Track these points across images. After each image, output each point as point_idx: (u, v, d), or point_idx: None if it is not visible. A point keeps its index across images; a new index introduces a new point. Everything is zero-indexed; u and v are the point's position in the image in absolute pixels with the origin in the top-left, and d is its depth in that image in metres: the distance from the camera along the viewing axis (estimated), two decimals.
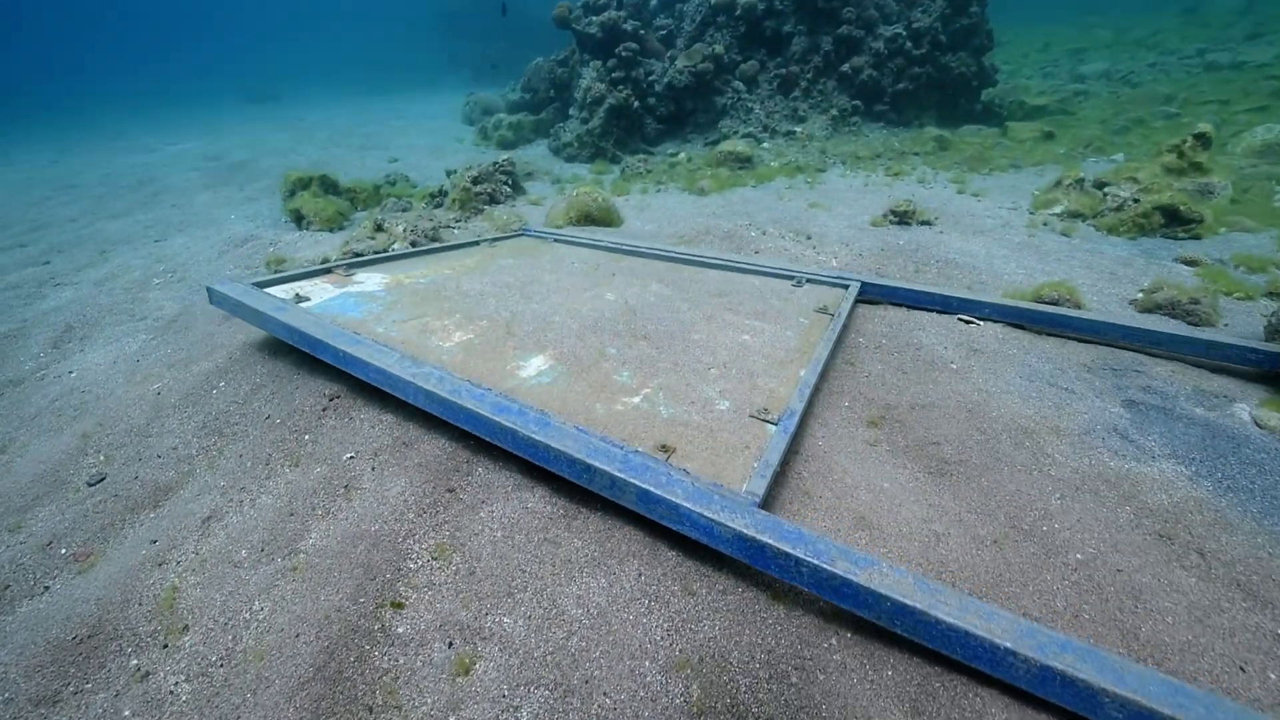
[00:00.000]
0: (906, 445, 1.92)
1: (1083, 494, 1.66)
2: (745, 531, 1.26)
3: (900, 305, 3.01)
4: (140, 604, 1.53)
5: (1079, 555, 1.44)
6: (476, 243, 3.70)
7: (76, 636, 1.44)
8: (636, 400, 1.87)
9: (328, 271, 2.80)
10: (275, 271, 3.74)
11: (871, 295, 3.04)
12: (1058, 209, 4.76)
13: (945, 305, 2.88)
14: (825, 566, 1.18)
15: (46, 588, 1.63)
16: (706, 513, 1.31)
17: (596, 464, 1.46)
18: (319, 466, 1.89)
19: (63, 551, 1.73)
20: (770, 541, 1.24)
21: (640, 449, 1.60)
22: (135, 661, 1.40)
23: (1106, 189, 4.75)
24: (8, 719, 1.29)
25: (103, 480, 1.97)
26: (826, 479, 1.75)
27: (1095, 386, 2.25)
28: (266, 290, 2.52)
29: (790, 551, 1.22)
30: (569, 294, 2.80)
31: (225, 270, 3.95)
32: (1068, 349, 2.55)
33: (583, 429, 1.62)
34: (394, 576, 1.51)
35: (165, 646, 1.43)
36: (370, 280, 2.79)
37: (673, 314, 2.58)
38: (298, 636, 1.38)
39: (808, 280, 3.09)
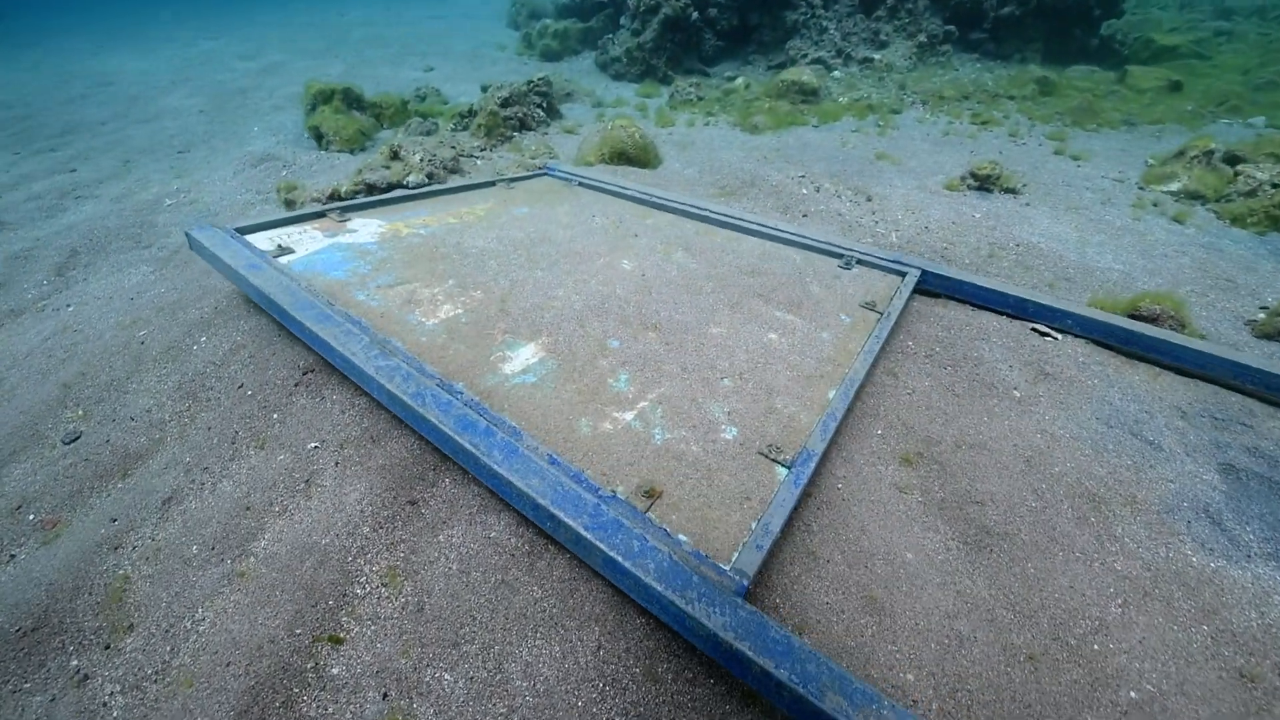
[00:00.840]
0: (943, 498, 1.63)
1: (1151, 602, 1.36)
2: (721, 635, 1.04)
3: (964, 302, 2.58)
4: (90, 593, 1.46)
5: (1133, 694, 1.17)
6: (492, 183, 3.36)
7: (21, 629, 1.38)
8: (629, 417, 1.62)
9: (320, 216, 2.56)
10: (285, 200, 3.53)
11: (932, 287, 2.61)
12: (1174, 185, 4.00)
13: (1019, 309, 2.44)
14: (811, 700, 0.96)
15: (12, 556, 1.59)
16: (679, 601, 1.09)
17: (562, 516, 1.24)
18: (283, 453, 1.75)
19: (30, 518, 1.68)
20: (749, 653, 1.02)
21: (620, 490, 1.37)
22: (76, 662, 1.34)
23: (1239, 167, 3.93)
24: None
25: (78, 439, 1.90)
26: (839, 536, 1.50)
27: (1189, 441, 1.86)
28: (249, 237, 2.31)
29: (772, 671, 1.00)
30: (580, 260, 2.49)
31: (238, 195, 3.76)
32: (1161, 383, 2.12)
33: (556, 459, 1.39)
34: (337, 604, 1.38)
35: (108, 648, 1.36)
36: (365, 228, 2.55)
37: (693, 297, 2.25)
38: (228, 665, 1.28)
39: (858, 261, 2.67)
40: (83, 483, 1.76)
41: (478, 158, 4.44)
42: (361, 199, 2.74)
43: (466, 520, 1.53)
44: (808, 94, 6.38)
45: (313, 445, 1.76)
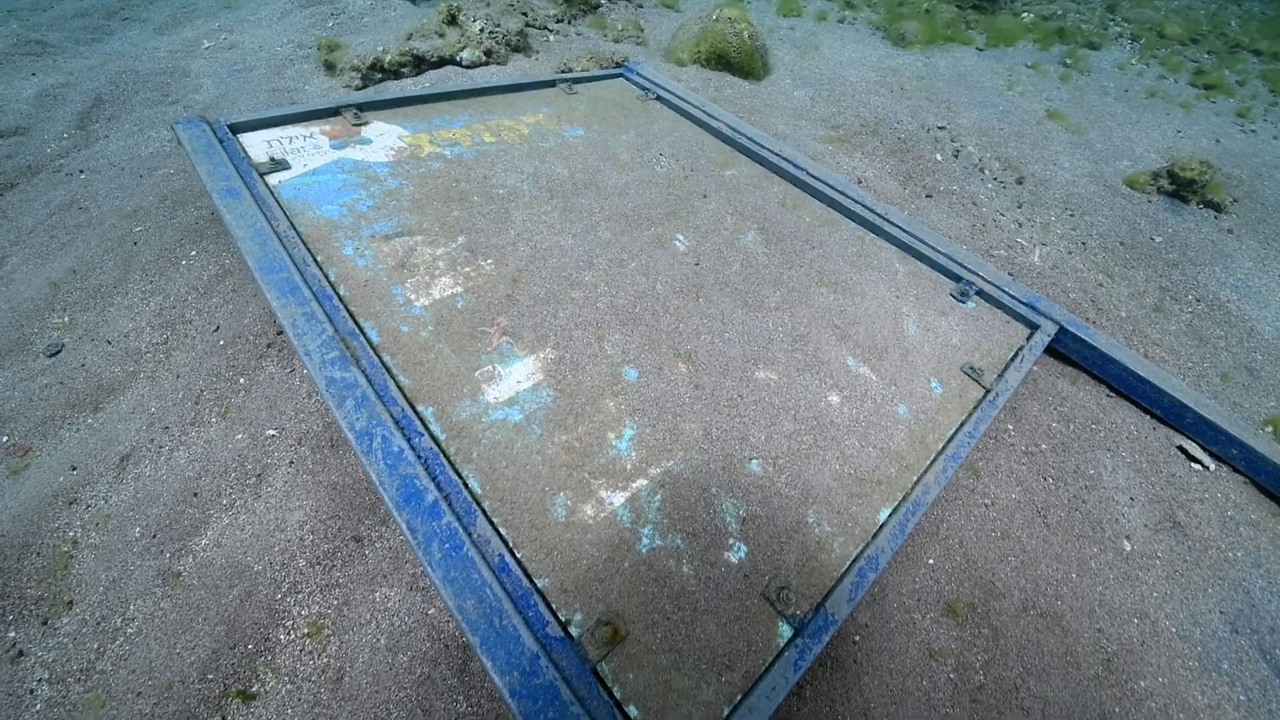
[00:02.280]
0: (982, 684, 1.29)
1: None
2: None
3: (1101, 381, 1.98)
4: (39, 554, 1.40)
5: None
6: (552, 83, 2.75)
7: None
8: (619, 502, 1.30)
9: (334, 114, 2.13)
10: (325, 61, 3.06)
11: (1065, 348, 2.01)
12: None
13: (1172, 415, 1.85)
14: None
15: None
16: None
17: (487, 662, 1.00)
18: (241, 432, 1.56)
19: (4, 439, 1.61)
20: None
21: (577, 621, 1.11)
22: (13, 634, 1.29)
23: None
24: None
25: (59, 353, 1.78)
26: (836, 714, 1.22)
27: None
28: (244, 138, 1.94)
29: None
30: (627, 227, 2.01)
31: (278, 45, 3.29)
32: None
33: (506, 566, 1.12)
34: (257, 648, 1.25)
35: (45, 623, 1.31)
36: (383, 138, 2.11)
37: (749, 315, 1.79)
38: (139, 696, 1.19)
39: (979, 292, 2.06)
40: (55, 409, 1.66)
41: (551, 31, 3.70)
42: (386, 97, 2.26)
43: (408, 583, 1.33)
44: None
45: (271, 432, 1.56)
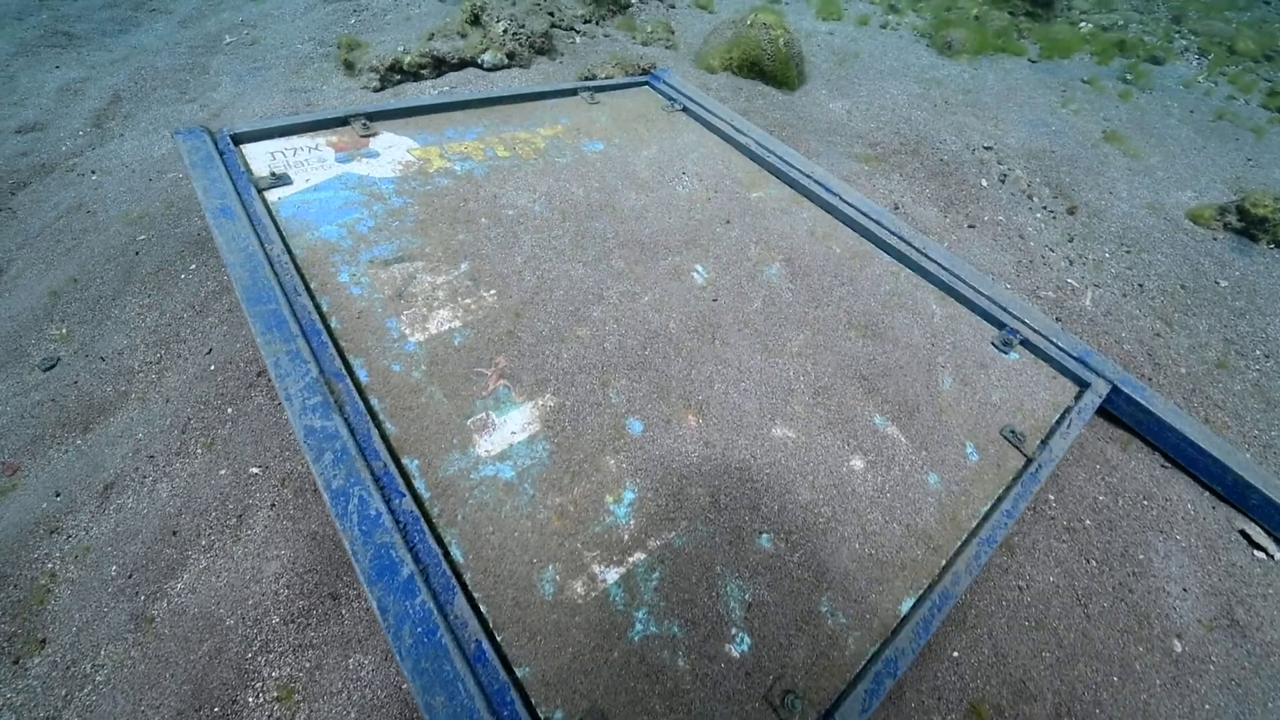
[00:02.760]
0: None
1: None
2: None
3: (1154, 448, 1.80)
4: (16, 586, 1.35)
5: None
6: (574, 91, 2.63)
7: None
8: (612, 579, 1.19)
9: (342, 124, 2.04)
10: (344, 61, 2.98)
11: (1119, 410, 1.83)
12: None
13: (1235, 494, 1.66)
14: None
15: None
16: None
17: None
18: (224, 467, 1.49)
19: None
20: None
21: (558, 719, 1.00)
22: None
23: None
24: None
25: (54, 367, 1.73)
26: None
27: None
28: (247, 148, 1.87)
29: None
30: (642, 255, 1.88)
31: (299, 42, 3.22)
32: None
33: (483, 654, 1.02)
34: (223, 712, 1.17)
35: (16, 662, 1.26)
36: (391, 151, 2.02)
37: (768, 361, 1.65)
38: None
39: (1024, 342, 1.89)
40: (45, 428, 1.61)
41: (578, 32, 3.57)
42: (397, 106, 2.16)
43: (383, 652, 1.23)
44: (1039, 3, 4.62)
45: (255, 470, 1.48)
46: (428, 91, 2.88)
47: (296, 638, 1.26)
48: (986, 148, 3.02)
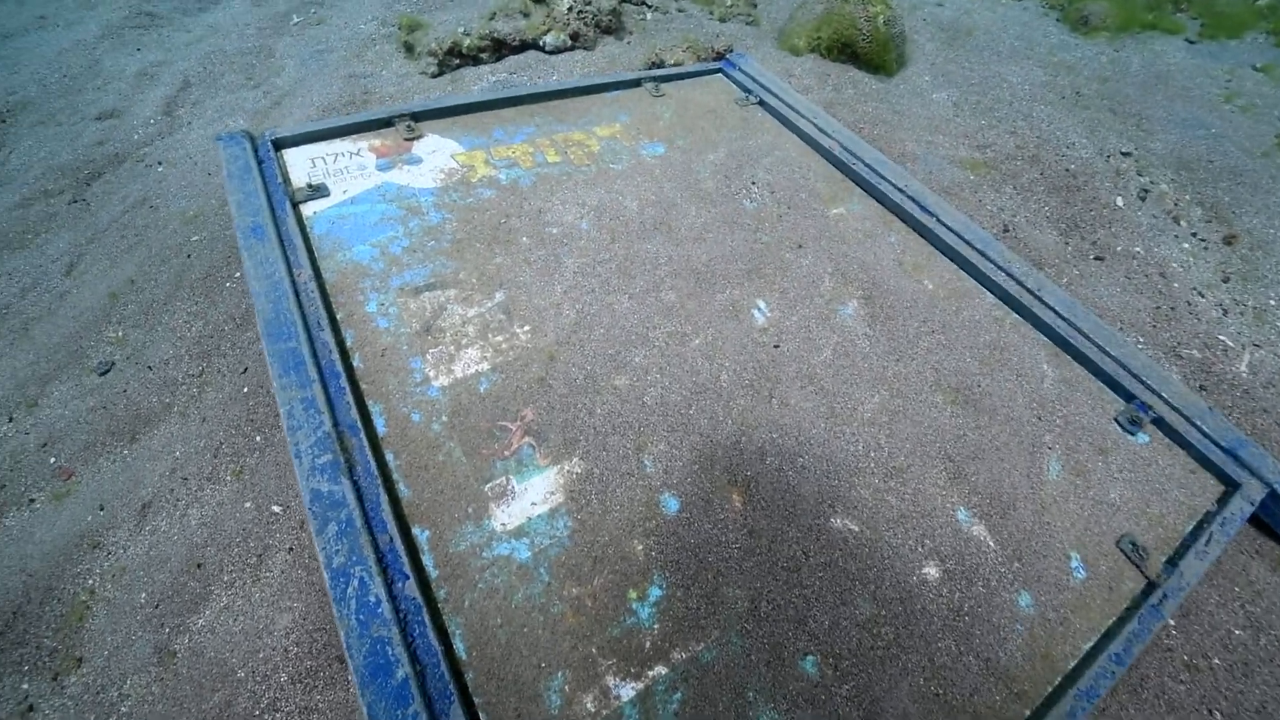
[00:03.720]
0: None
1: None
2: None
3: None
4: (59, 601, 1.39)
5: None
6: (637, 82, 2.38)
7: None
8: (626, 698, 1.04)
9: (386, 125, 1.92)
10: (404, 43, 2.86)
11: (1274, 520, 1.47)
12: None
13: None
14: None
15: (31, 500, 1.56)
16: None
17: None
18: (249, 500, 1.46)
19: (51, 460, 1.62)
20: None
21: None
22: (27, 685, 1.29)
23: None
24: None
25: (108, 372, 1.77)
26: None
27: None
28: (288, 153, 1.78)
29: None
30: (697, 286, 1.67)
31: (362, 23, 3.12)
32: None
33: None
34: None
35: (55, 678, 1.30)
36: (434, 156, 1.88)
37: (836, 426, 1.41)
38: None
39: (1156, 420, 1.53)
40: (97, 435, 1.65)
41: (650, 7, 3.26)
42: (444, 104, 2.00)
43: None
44: None
45: (276, 509, 1.44)
46: (485, 78, 2.71)
47: (303, 699, 1.22)
48: (1125, 154, 2.51)
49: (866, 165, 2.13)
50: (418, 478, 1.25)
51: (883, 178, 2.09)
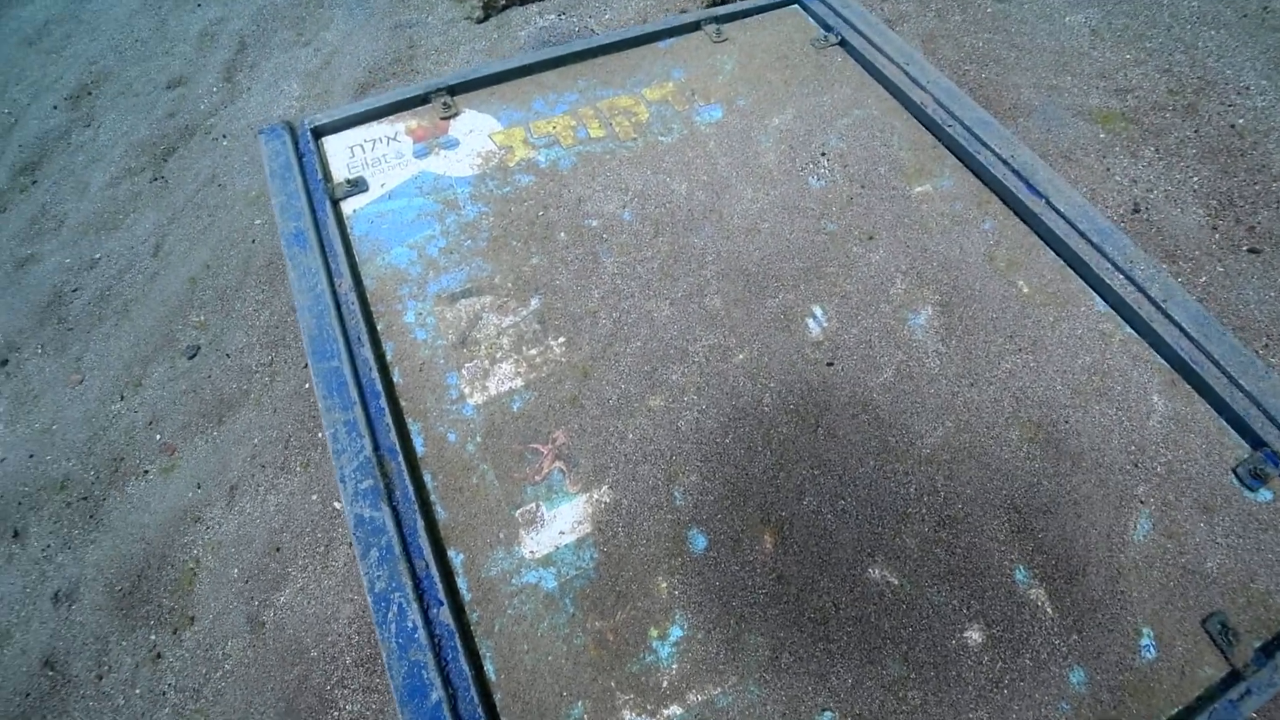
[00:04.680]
0: None
1: None
2: None
3: None
4: (172, 567, 1.63)
5: None
6: (696, 25, 2.08)
7: (122, 589, 1.61)
8: None
9: (423, 102, 1.81)
10: None
11: None
12: None
13: None
14: None
15: (145, 471, 1.81)
16: None
17: None
18: (315, 493, 1.60)
19: (157, 437, 1.85)
20: None
21: None
22: (154, 637, 1.56)
23: None
24: (82, 636, 1.59)
25: (195, 355, 1.94)
26: None
27: None
28: (327, 142, 1.74)
29: None
30: (746, 291, 1.53)
31: None
32: None
33: None
34: None
35: (175, 632, 1.56)
36: (471, 138, 1.78)
37: (887, 464, 1.30)
38: None
39: None
40: (191, 416, 1.84)
41: None
42: (480, 73, 1.84)
43: None
44: None
45: (337, 505, 1.57)
46: (533, 20, 2.48)
47: (365, 680, 1.39)
48: None
49: (964, 127, 1.79)
50: (453, 500, 1.30)
51: (983, 144, 1.75)
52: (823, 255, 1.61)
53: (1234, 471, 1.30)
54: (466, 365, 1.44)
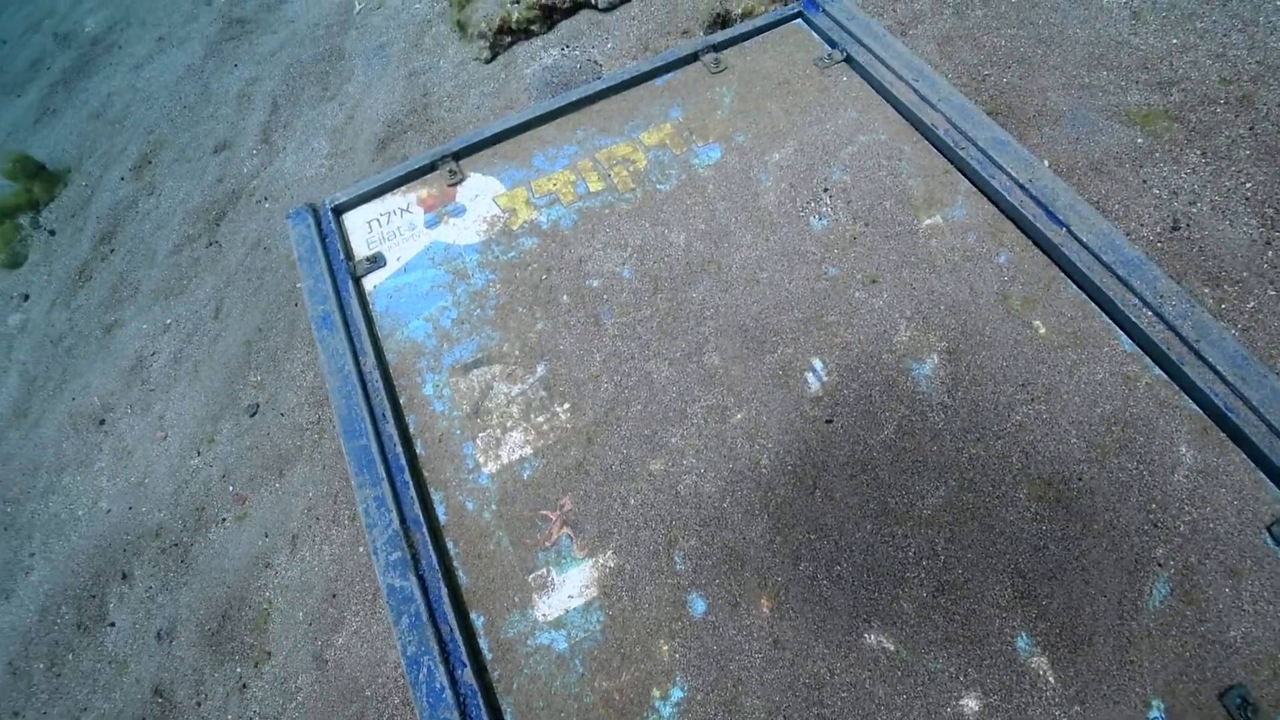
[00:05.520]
0: None
1: None
2: None
3: None
4: (249, 607, 1.87)
5: None
6: (694, 57, 2.04)
7: (211, 628, 1.86)
8: None
9: (430, 169, 1.89)
10: (457, 22, 2.71)
11: None
12: None
13: None
14: None
15: (223, 520, 2.06)
16: None
17: None
18: (361, 545, 1.77)
19: (231, 488, 2.09)
20: None
21: None
22: (239, 670, 1.81)
23: None
24: (182, 668, 1.86)
25: (256, 413, 2.16)
26: None
27: None
28: (348, 217, 1.86)
29: None
30: (744, 347, 1.55)
31: (417, 2, 2.96)
32: None
33: None
34: None
35: (256, 665, 1.80)
36: (476, 203, 1.85)
37: (885, 527, 1.31)
38: None
39: None
40: (256, 469, 2.07)
41: None
42: (481, 135, 1.90)
43: None
44: None
45: None
46: (538, 55, 2.51)
47: (412, 719, 1.56)
48: None
49: (979, 149, 1.69)
50: (473, 566, 1.42)
51: (999, 167, 1.65)
52: (823, 303, 1.59)
53: (1269, 530, 1.22)
54: (480, 435, 1.55)
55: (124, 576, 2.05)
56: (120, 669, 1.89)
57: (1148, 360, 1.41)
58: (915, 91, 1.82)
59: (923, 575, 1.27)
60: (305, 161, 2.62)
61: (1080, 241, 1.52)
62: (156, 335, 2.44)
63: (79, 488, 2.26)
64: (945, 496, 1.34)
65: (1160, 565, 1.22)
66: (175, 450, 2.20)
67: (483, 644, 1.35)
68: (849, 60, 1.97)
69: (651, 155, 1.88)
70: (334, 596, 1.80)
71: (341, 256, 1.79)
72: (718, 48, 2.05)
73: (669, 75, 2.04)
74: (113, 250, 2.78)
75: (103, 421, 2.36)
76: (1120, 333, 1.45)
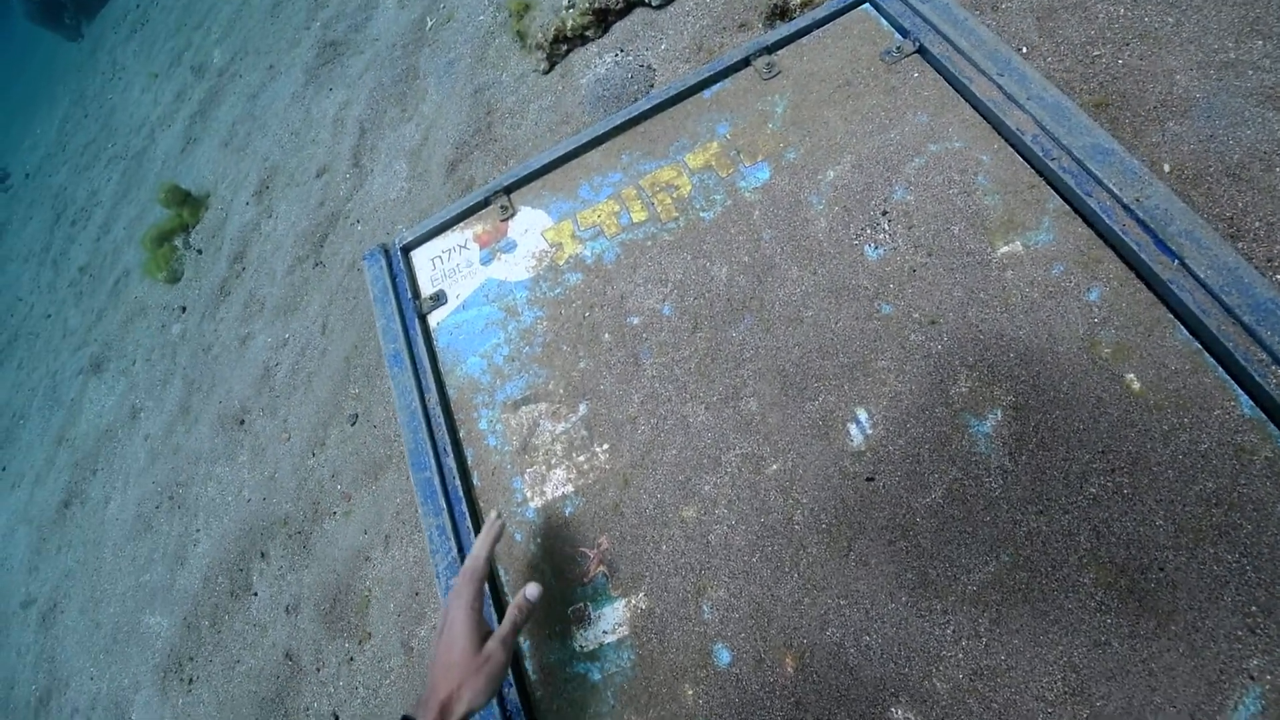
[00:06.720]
0: None
1: None
2: None
3: None
4: (354, 593, 2.20)
5: None
6: (745, 62, 1.90)
7: (326, 608, 2.22)
8: None
9: (484, 205, 1.97)
10: (517, 31, 2.74)
11: None
12: None
13: None
14: None
15: (334, 513, 2.41)
16: None
17: None
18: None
19: (339, 487, 2.43)
20: None
21: None
22: (347, 645, 2.15)
23: None
24: (305, 638, 2.23)
25: (355, 422, 2.46)
26: None
27: None
28: (415, 255, 2.01)
29: None
30: (783, 393, 1.50)
31: (481, 12, 2.99)
32: None
33: None
34: None
35: (359, 643, 2.13)
36: (526, 237, 1.91)
37: (920, 601, 1.25)
38: None
39: None
40: (357, 473, 2.38)
41: None
42: (529, 168, 1.93)
43: None
44: None
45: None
46: (593, 63, 2.47)
47: None
48: None
49: (1073, 158, 1.44)
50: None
51: (1097, 181, 1.40)
52: (873, 346, 1.48)
53: None
54: (528, 470, 1.66)
55: (263, 555, 2.49)
56: (262, 632, 2.33)
57: (1272, 428, 1.17)
58: (999, 88, 1.58)
59: (961, 656, 1.21)
60: (389, 185, 2.84)
61: (1196, 278, 1.27)
62: (278, 348, 2.84)
63: (228, 477, 2.75)
64: (995, 572, 1.24)
65: (1252, 678, 1.06)
66: (296, 450, 2.58)
67: (528, 665, 1.49)
68: (921, 51, 1.73)
69: (696, 179, 1.82)
70: (417, 594, 2.07)
71: (409, 295, 1.95)
72: (771, 49, 1.90)
73: (718, 86, 1.92)
74: (244, 269, 3.23)
75: (243, 422, 2.82)
76: (1240, 392, 1.21)
